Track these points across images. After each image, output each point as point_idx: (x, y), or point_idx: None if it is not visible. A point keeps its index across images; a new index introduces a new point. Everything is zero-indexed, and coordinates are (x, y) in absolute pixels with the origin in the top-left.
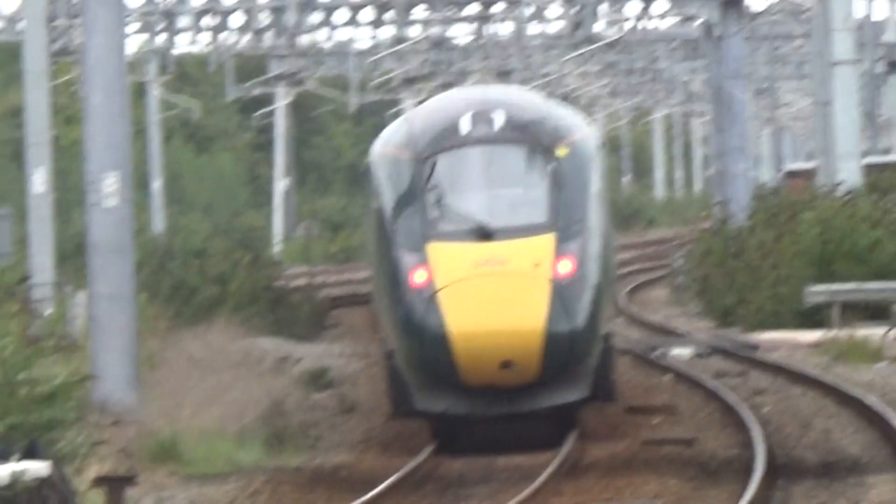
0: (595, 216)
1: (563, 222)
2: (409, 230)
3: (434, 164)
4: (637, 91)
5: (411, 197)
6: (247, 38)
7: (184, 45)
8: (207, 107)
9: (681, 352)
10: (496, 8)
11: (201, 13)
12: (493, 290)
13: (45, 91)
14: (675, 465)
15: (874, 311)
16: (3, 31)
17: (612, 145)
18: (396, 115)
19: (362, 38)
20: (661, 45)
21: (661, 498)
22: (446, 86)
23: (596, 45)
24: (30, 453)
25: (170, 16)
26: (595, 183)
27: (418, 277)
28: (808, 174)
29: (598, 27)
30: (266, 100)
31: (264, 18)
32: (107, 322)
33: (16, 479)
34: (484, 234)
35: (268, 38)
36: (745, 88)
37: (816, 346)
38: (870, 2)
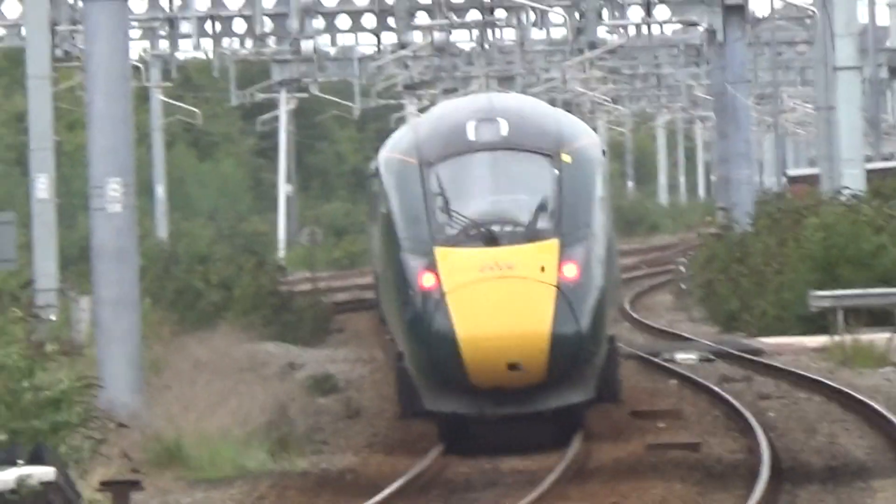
0: (599, 221)
1: (568, 227)
2: (417, 235)
3: (441, 170)
4: (640, 97)
5: (419, 202)
6: (249, 44)
7: (187, 50)
8: (210, 112)
9: (686, 356)
10: (499, 14)
11: (204, 19)
12: (499, 293)
13: (48, 97)
14: (680, 470)
15: (878, 317)
16: (6, 37)
17: (615, 151)
18: (400, 121)
19: (365, 43)
20: (663, 51)
21: (667, 502)
22: (449, 91)
23: (598, 50)
24: (35, 458)
25: (172, 22)
26: (599, 189)
27: (426, 281)
28: (810, 180)
29: (601, 33)
30: (269, 105)
31: (267, 24)
32: (111, 327)
33: (22, 483)
34: (490, 239)
35: (270, 44)
36: (748, 94)
37: (821, 351)
38: (872, 8)
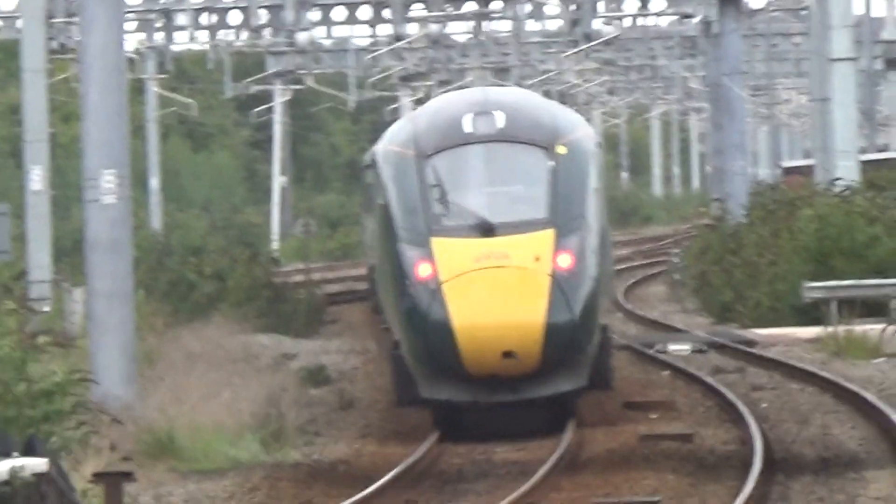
0: (593, 212)
1: (563, 218)
2: (414, 226)
3: (437, 162)
4: (635, 88)
5: (416, 194)
6: (245, 35)
7: (182, 42)
8: (205, 104)
9: (679, 347)
10: (494, 5)
11: (199, 11)
12: (495, 283)
13: (43, 89)
14: (673, 461)
15: (872, 308)
16: (2, 29)
17: (609, 142)
18: (395, 113)
19: (360, 35)
20: (658, 43)
21: (660, 493)
22: (444, 83)
23: (594, 42)
24: (28, 449)
25: (168, 13)
26: (593, 180)
27: (423, 271)
28: (805, 171)
29: (596, 24)
30: (264, 97)
31: (262, 16)
32: (105, 319)
33: (14, 474)
34: (486, 229)
35: (266, 36)
36: (743, 85)
37: (814, 342)
38: None
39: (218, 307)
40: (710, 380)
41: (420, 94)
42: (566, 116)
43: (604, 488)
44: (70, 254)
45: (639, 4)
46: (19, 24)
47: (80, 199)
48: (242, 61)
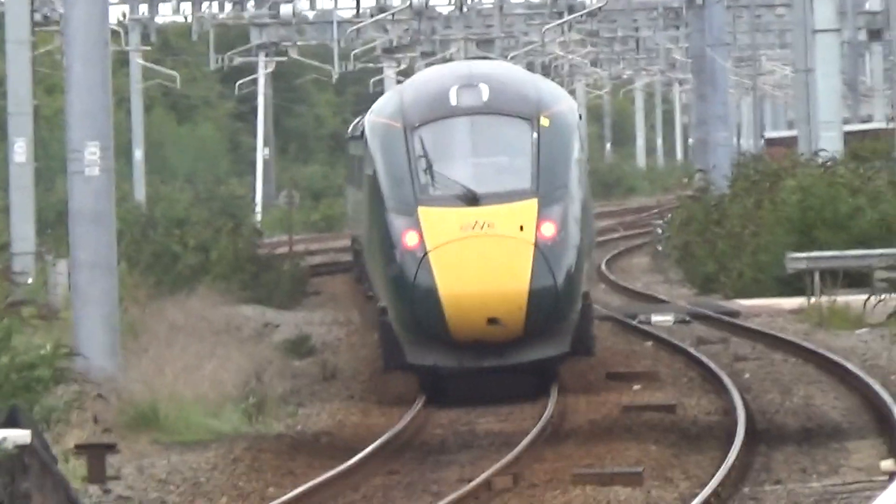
0: (576, 183)
1: (546, 188)
2: (401, 195)
3: (424, 134)
4: (618, 60)
5: (403, 164)
6: (228, 7)
7: (166, 14)
8: (189, 76)
9: (662, 318)
10: None
11: None
12: (480, 251)
13: (27, 60)
14: (655, 432)
15: (854, 279)
16: None
17: (593, 114)
18: (379, 85)
19: (344, 7)
20: (642, 14)
21: (642, 464)
22: (427, 55)
23: (577, 14)
24: (10, 421)
25: None
26: (576, 151)
27: (410, 240)
28: (788, 142)
29: None
30: (247, 69)
31: None
32: (88, 290)
33: None
34: (471, 199)
35: (250, 8)
36: (727, 57)
37: (797, 312)
38: None
39: (201, 279)
40: (693, 350)
41: (404, 66)
42: (550, 90)
43: (586, 459)
44: (54, 226)
45: None
46: None
47: (63, 171)
48: (226, 33)
